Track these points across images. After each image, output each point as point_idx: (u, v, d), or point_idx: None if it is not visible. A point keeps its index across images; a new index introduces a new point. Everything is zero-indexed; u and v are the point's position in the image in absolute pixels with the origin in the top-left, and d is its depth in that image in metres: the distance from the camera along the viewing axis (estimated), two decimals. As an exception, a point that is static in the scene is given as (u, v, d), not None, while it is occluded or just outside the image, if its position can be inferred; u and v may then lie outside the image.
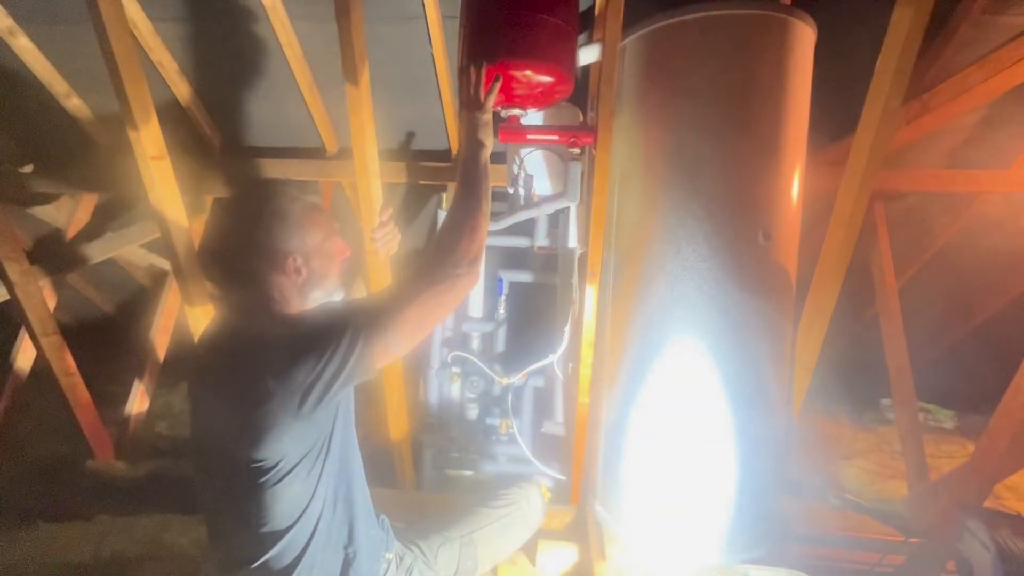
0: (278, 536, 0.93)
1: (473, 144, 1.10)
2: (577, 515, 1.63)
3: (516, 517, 1.28)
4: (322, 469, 0.95)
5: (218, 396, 0.95)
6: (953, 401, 3.04)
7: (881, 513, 1.72)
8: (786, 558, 1.33)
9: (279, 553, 0.93)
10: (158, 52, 2.05)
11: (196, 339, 1.08)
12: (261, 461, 0.89)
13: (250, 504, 0.91)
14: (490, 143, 1.12)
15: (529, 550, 1.47)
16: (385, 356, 0.94)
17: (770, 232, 1.30)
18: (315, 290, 0.99)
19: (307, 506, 0.94)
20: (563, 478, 1.72)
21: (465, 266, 0.99)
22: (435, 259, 1.00)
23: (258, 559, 0.93)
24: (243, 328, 0.96)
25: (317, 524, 0.95)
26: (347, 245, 1.05)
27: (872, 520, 1.84)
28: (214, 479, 0.97)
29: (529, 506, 1.32)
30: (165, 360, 2.46)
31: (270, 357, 0.89)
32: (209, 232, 0.97)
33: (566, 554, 1.49)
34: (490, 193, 1.09)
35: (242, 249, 0.95)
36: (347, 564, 0.99)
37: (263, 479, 0.90)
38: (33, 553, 1.58)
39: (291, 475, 0.91)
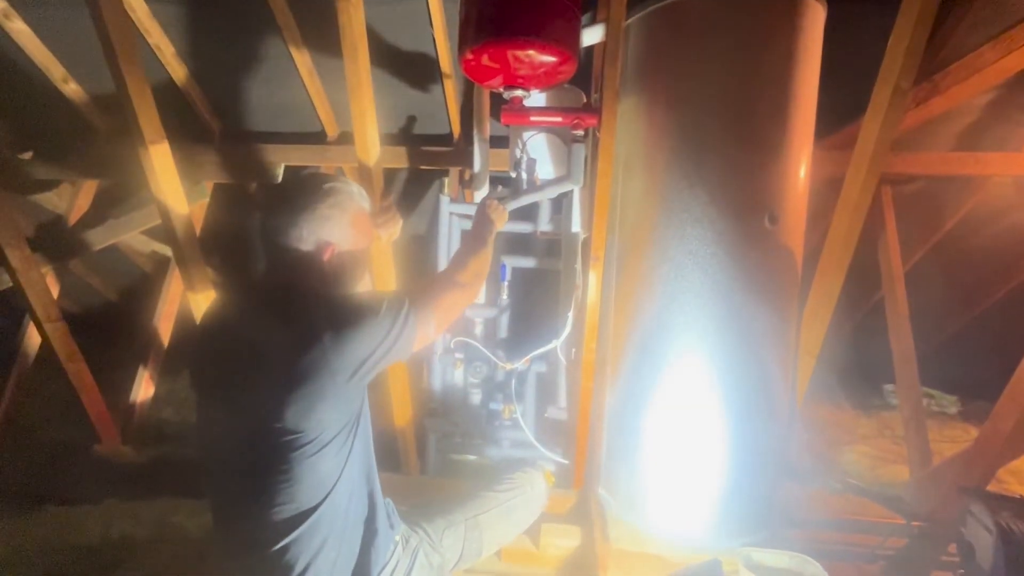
0: (303, 517, 0.92)
1: (486, 228, 1.35)
2: (580, 499, 1.64)
3: (520, 501, 1.29)
4: (352, 444, 0.96)
5: (254, 369, 0.92)
6: (957, 387, 3.04)
7: (883, 497, 1.73)
8: (788, 541, 1.34)
9: (303, 534, 0.92)
10: (155, 35, 2.02)
11: (205, 319, 1.07)
12: (300, 433, 0.89)
13: (277, 482, 0.90)
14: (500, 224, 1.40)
15: (533, 533, 1.48)
16: (424, 339, 1.03)
17: (776, 216, 1.28)
18: (337, 286, 1.02)
19: (335, 483, 0.94)
20: (566, 462, 1.73)
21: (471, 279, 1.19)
22: (450, 270, 1.19)
23: (279, 542, 0.91)
24: (282, 302, 0.96)
25: (344, 501, 0.96)
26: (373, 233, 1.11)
27: (874, 504, 1.85)
28: (233, 459, 0.95)
29: (533, 490, 1.32)
30: (169, 347, 2.47)
31: (326, 328, 0.90)
32: (271, 196, 1.00)
33: (569, 537, 1.50)
34: (488, 262, 1.29)
35: (295, 224, 0.97)
36: (368, 541, 1.00)
37: (297, 452, 0.89)
38: (42, 536, 1.60)
39: (326, 448, 0.92)
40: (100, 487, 1.83)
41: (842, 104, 1.61)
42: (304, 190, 1.00)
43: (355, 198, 1.02)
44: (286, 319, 0.93)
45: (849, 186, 1.42)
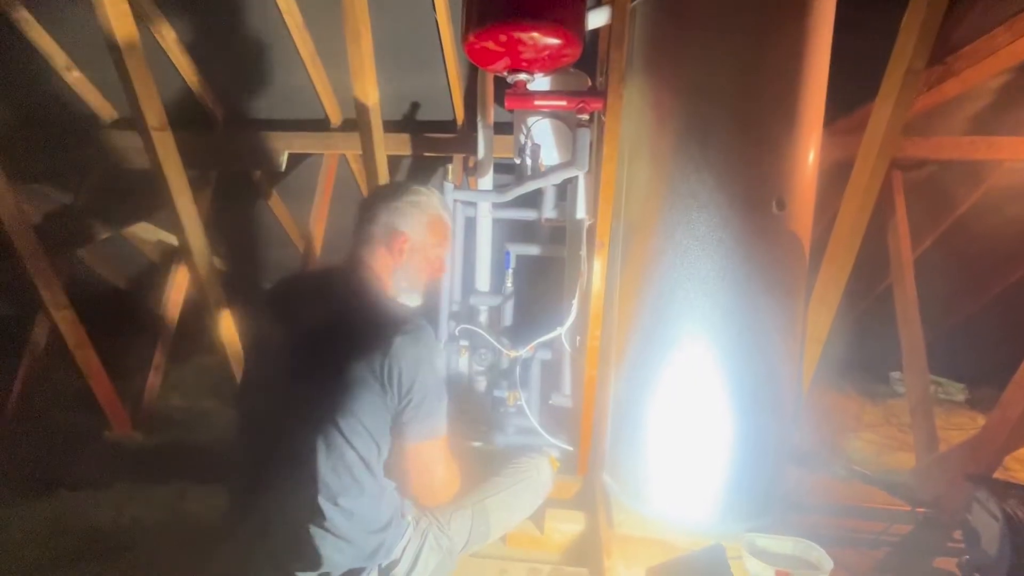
0: (336, 499, 0.96)
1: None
2: (585, 485, 1.64)
3: (526, 486, 1.30)
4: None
5: (327, 356, 0.99)
6: (964, 374, 3.02)
7: (888, 483, 1.73)
8: (792, 527, 1.34)
9: (334, 515, 0.96)
10: (156, 22, 2.01)
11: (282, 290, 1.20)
12: (345, 421, 0.96)
13: (320, 466, 0.95)
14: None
15: (537, 519, 1.49)
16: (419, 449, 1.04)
17: (784, 201, 1.26)
18: (402, 280, 1.11)
19: (366, 468, 0.99)
20: (570, 449, 1.74)
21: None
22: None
23: (312, 522, 0.96)
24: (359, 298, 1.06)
25: (370, 484, 1.00)
26: (446, 267, 1.19)
27: (879, 491, 1.85)
28: (282, 442, 0.98)
29: (538, 476, 1.33)
30: (176, 334, 2.49)
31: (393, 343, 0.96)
32: (377, 188, 1.23)
33: (573, 522, 1.51)
34: None
35: (377, 211, 1.10)
36: (385, 522, 1.03)
37: (341, 438, 0.95)
38: (54, 519, 1.63)
39: (363, 437, 0.98)
40: (111, 472, 1.86)
41: (852, 88, 1.58)
42: (395, 188, 1.15)
43: (434, 205, 1.14)
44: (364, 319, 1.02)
45: (859, 170, 1.40)
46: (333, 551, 0.98)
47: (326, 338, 1.00)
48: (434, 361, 1.01)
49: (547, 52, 1.25)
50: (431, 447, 1.04)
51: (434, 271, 1.16)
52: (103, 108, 2.39)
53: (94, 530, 1.58)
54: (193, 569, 1.22)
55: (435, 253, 1.14)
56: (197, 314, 2.14)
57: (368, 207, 1.12)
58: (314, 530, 0.97)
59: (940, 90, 1.91)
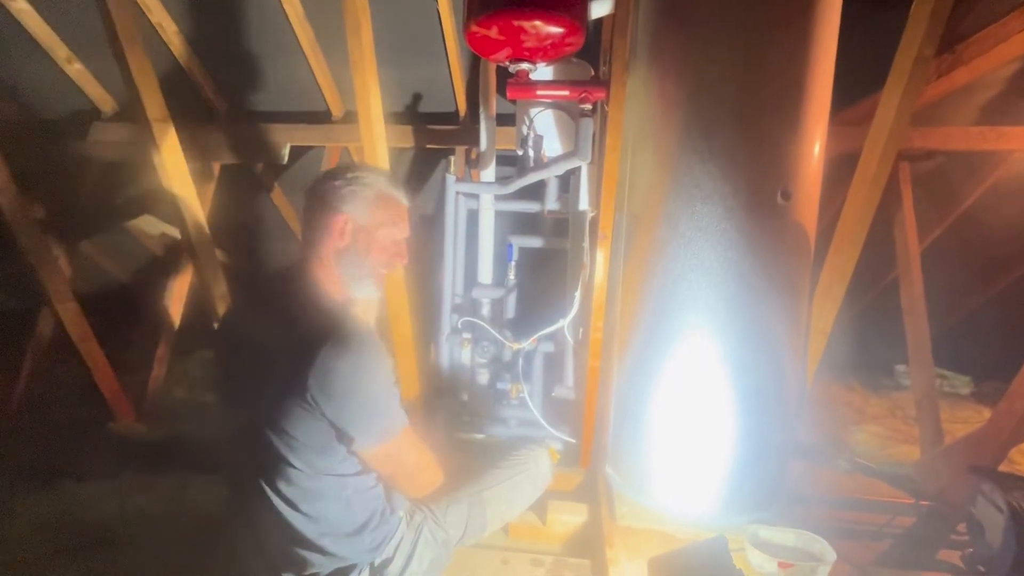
0: (322, 493, 0.96)
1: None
2: (587, 477, 1.65)
3: (524, 478, 1.30)
4: None
5: (278, 357, 0.95)
6: (970, 367, 3.00)
7: (892, 476, 1.72)
8: (794, 519, 1.34)
9: (320, 508, 0.97)
10: (157, 13, 2.00)
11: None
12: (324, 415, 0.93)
13: (306, 459, 0.95)
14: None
15: (540, 510, 1.49)
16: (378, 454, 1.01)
17: (790, 192, 1.25)
18: (349, 266, 1.03)
19: (352, 462, 0.99)
20: (573, 441, 1.74)
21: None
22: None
23: (299, 516, 0.96)
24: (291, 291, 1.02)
25: (356, 479, 0.99)
26: (407, 255, 1.10)
27: (882, 483, 1.84)
28: (261, 437, 0.97)
29: (537, 467, 1.33)
30: (182, 326, 2.49)
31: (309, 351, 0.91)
32: (322, 175, 1.11)
33: (576, 514, 1.51)
34: None
35: (319, 194, 1.04)
36: (375, 516, 1.02)
37: (323, 432, 0.94)
38: (60, 510, 1.64)
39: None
40: (115, 463, 1.88)
41: (860, 77, 1.56)
42: (331, 173, 1.08)
43: (378, 184, 1.06)
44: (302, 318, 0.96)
45: (866, 160, 1.38)
46: (312, 555, 0.98)
47: (263, 355, 0.96)
48: (368, 367, 0.93)
49: (550, 41, 1.24)
50: (393, 447, 0.99)
51: (390, 256, 1.07)
52: (104, 101, 2.39)
53: (99, 520, 1.60)
54: (197, 558, 1.23)
55: (385, 234, 1.05)
56: (200, 307, 2.14)
57: (310, 194, 1.06)
58: (289, 536, 0.97)
59: (949, 79, 1.89)
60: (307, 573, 0.99)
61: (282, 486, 0.95)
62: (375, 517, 1.02)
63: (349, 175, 1.05)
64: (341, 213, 1.02)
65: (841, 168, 1.65)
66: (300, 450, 0.93)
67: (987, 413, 2.58)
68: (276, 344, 0.94)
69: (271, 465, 0.94)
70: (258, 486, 0.96)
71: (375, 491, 1.03)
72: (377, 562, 1.03)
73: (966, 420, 2.63)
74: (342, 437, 0.94)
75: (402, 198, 1.09)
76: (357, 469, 0.99)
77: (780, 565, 1.18)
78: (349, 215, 1.02)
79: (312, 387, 0.89)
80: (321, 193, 1.04)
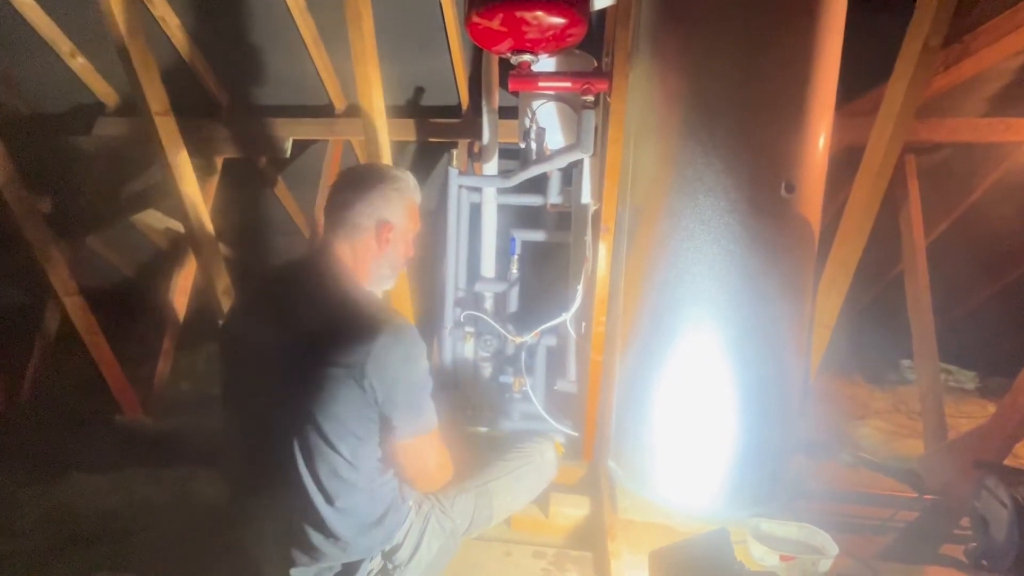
0: (341, 484, 0.97)
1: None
2: (590, 470, 1.65)
3: (530, 470, 1.30)
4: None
5: (302, 351, 0.97)
6: (976, 362, 2.98)
7: (895, 470, 1.72)
8: (797, 513, 1.34)
9: (341, 499, 0.97)
10: (159, 7, 2.00)
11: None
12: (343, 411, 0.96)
13: (322, 453, 0.96)
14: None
15: (542, 503, 1.50)
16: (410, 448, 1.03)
17: (793, 184, 1.24)
18: (384, 268, 1.09)
19: (368, 453, 1.00)
20: (576, 434, 1.74)
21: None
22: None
23: (317, 508, 0.96)
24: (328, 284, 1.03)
25: (371, 469, 1.00)
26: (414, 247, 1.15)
27: (886, 478, 1.84)
28: (278, 431, 0.98)
29: (543, 460, 1.34)
30: (186, 320, 2.51)
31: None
32: (341, 177, 1.12)
33: (578, 507, 1.52)
34: None
35: (363, 200, 1.05)
36: (386, 505, 1.03)
37: (340, 426, 0.95)
38: (68, 501, 1.66)
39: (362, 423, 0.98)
40: (122, 455, 1.90)
41: (865, 68, 1.54)
42: (373, 173, 1.11)
43: (412, 188, 1.11)
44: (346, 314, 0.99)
45: (871, 153, 1.37)
46: (331, 547, 0.99)
47: (301, 343, 0.97)
48: (417, 358, 0.99)
49: (551, 32, 1.23)
50: (423, 442, 1.03)
51: (408, 253, 1.14)
52: (108, 95, 2.39)
53: (106, 511, 1.62)
54: (202, 548, 1.24)
55: (411, 237, 1.13)
56: (205, 301, 2.15)
57: (345, 193, 1.07)
58: (309, 530, 0.98)
59: (956, 70, 1.86)
60: (319, 565, 1.00)
61: (324, 476, 0.95)
62: (391, 508, 1.04)
63: (390, 177, 1.08)
64: (388, 222, 1.06)
65: (846, 161, 1.64)
66: (347, 438, 0.95)
67: (992, 408, 2.57)
68: (316, 333, 0.96)
69: (312, 455, 0.95)
70: (290, 480, 0.96)
71: (392, 483, 1.05)
72: (387, 548, 1.05)
73: (971, 415, 2.62)
74: (385, 424, 0.97)
75: (419, 197, 1.14)
76: (379, 459, 1.01)
77: (782, 558, 1.18)
78: (394, 224, 1.07)
79: (371, 373, 0.92)
80: (368, 196, 1.05)
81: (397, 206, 1.07)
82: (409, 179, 1.11)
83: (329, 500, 0.96)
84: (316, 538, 0.98)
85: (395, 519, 1.05)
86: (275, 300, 1.06)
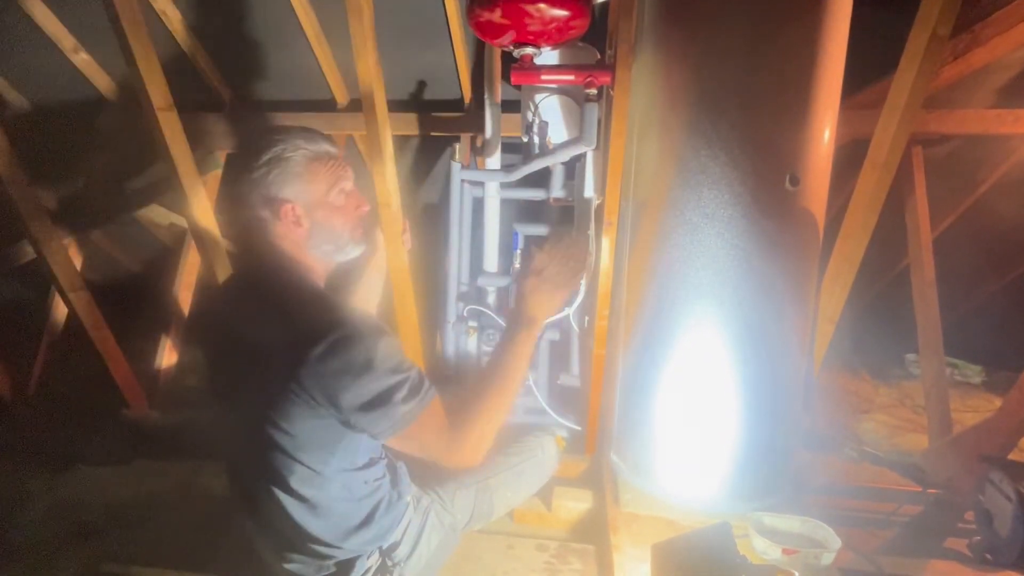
0: (326, 482, 0.95)
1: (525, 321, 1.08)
2: (592, 464, 1.65)
3: (530, 465, 1.31)
4: None
5: (260, 354, 0.91)
6: (982, 357, 2.96)
7: (899, 465, 1.71)
8: (800, 507, 1.34)
9: (324, 496, 0.95)
10: (161, 0, 1.99)
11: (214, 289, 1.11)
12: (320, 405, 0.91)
13: (307, 448, 0.92)
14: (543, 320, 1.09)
15: (545, 496, 1.51)
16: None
17: (798, 177, 1.23)
18: (323, 244, 0.96)
19: (358, 450, 0.97)
20: (578, 428, 1.74)
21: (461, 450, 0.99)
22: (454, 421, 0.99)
23: (304, 504, 0.95)
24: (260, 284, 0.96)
25: (364, 466, 0.99)
26: (364, 198, 1.01)
27: (889, 472, 1.83)
28: (255, 431, 0.94)
29: (543, 454, 1.34)
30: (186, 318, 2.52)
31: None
32: (222, 179, 0.99)
33: (581, 500, 1.52)
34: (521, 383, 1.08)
35: (243, 196, 0.93)
36: (382, 502, 1.02)
37: (323, 422, 0.91)
38: (76, 494, 1.68)
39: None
40: (129, 449, 1.92)
41: (871, 59, 1.52)
42: (243, 153, 0.95)
43: (299, 145, 0.92)
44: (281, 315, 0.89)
45: (877, 145, 1.35)
46: (318, 548, 0.98)
47: (246, 351, 0.91)
48: (369, 361, 0.85)
49: (554, 24, 1.22)
50: (414, 429, 0.91)
51: (351, 210, 0.98)
52: (111, 90, 2.39)
53: (113, 504, 1.63)
54: (209, 540, 1.25)
55: (335, 195, 0.95)
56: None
57: (231, 199, 0.94)
58: (292, 533, 0.97)
59: (965, 60, 1.83)
60: (312, 562, 1.00)
61: (295, 484, 0.92)
62: (380, 507, 1.02)
63: (264, 157, 0.90)
64: (283, 202, 0.91)
65: (852, 153, 1.62)
66: (308, 447, 0.90)
67: (998, 403, 2.55)
68: (257, 342, 0.88)
69: (279, 465, 0.91)
70: (263, 487, 0.94)
71: (382, 481, 1.03)
72: (385, 546, 1.05)
73: (976, 409, 2.61)
74: (355, 430, 0.90)
75: (329, 146, 0.96)
76: (367, 460, 0.98)
77: (784, 552, 1.18)
78: (292, 201, 0.91)
79: (310, 387, 0.84)
80: (244, 193, 0.91)
81: (288, 180, 0.90)
82: (288, 140, 0.92)
83: (306, 506, 0.94)
84: (299, 541, 0.98)
85: (389, 518, 1.03)
86: (231, 306, 1.01)
